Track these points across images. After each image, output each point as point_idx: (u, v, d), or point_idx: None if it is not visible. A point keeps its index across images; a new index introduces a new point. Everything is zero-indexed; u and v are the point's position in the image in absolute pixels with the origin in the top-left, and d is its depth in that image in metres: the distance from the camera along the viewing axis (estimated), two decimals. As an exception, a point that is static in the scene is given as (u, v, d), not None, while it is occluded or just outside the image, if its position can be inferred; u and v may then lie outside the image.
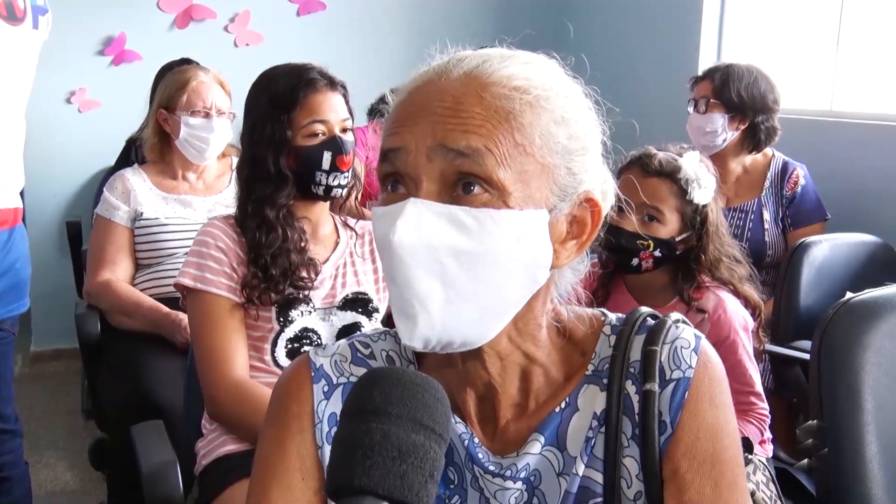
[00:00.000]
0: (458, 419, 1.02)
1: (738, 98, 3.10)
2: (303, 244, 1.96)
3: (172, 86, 2.92)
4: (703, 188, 2.07)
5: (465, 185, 0.89)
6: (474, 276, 0.90)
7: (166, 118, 2.91)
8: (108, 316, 2.87)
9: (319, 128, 1.95)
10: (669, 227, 2.07)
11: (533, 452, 1.00)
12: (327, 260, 2.04)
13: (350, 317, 2.03)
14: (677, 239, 2.08)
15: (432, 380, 0.81)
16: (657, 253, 2.06)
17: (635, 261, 2.07)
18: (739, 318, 2.07)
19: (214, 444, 1.95)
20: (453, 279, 0.89)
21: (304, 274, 1.95)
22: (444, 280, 0.89)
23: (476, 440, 1.01)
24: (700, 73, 3.36)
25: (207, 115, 2.87)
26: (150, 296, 2.82)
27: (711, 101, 3.15)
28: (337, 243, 2.08)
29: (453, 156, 0.89)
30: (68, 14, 4.25)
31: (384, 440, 0.74)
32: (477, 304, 0.91)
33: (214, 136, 2.89)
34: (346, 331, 2.01)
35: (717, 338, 2.02)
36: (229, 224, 1.98)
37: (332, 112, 1.97)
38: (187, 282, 1.92)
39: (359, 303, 2.05)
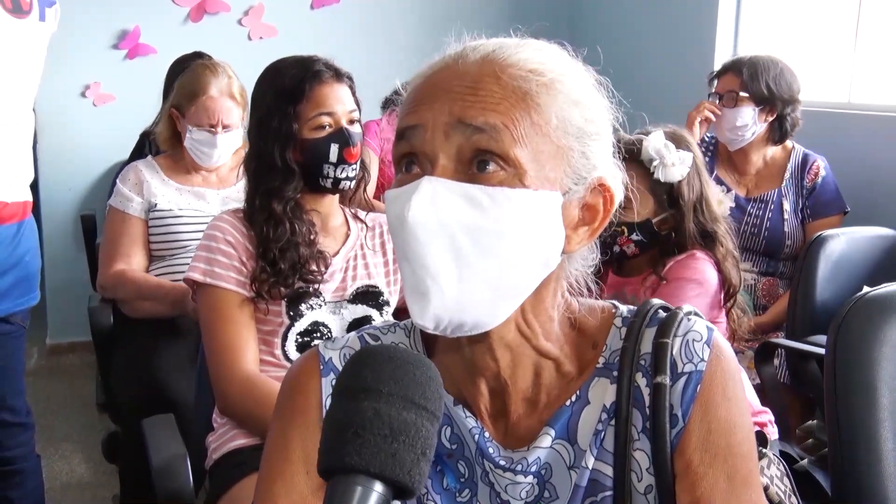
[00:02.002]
0: (469, 414, 1.02)
1: (768, 90, 3.07)
2: (312, 237, 1.96)
3: (184, 90, 2.90)
4: (669, 166, 2.07)
5: (480, 162, 0.90)
6: (487, 254, 0.90)
7: (178, 117, 2.90)
8: (125, 306, 2.85)
9: (326, 120, 1.94)
10: (641, 209, 2.08)
11: (543, 446, 0.99)
12: (337, 253, 2.03)
13: (361, 310, 2.03)
14: (654, 220, 2.10)
15: (424, 357, 0.81)
16: (635, 237, 2.10)
17: (616, 248, 2.10)
18: (700, 273, 2.10)
19: (225, 439, 1.95)
20: (466, 257, 0.89)
21: (314, 267, 1.95)
22: (457, 258, 0.89)
23: (487, 435, 1.01)
24: (719, 67, 3.32)
25: (212, 132, 2.85)
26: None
27: (740, 94, 3.10)
28: (347, 236, 2.07)
29: (471, 132, 0.89)
30: (83, 8, 4.28)
31: (375, 418, 0.74)
32: (489, 283, 0.91)
33: (217, 150, 2.87)
34: (357, 324, 2.00)
35: (671, 276, 2.08)
36: (238, 218, 1.97)
37: (339, 104, 1.96)
38: (197, 276, 1.91)
39: (369, 296, 2.04)
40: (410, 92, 0.96)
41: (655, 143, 2.08)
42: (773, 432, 2.05)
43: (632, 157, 2.07)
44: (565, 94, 0.93)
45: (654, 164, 2.07)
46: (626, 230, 2.08)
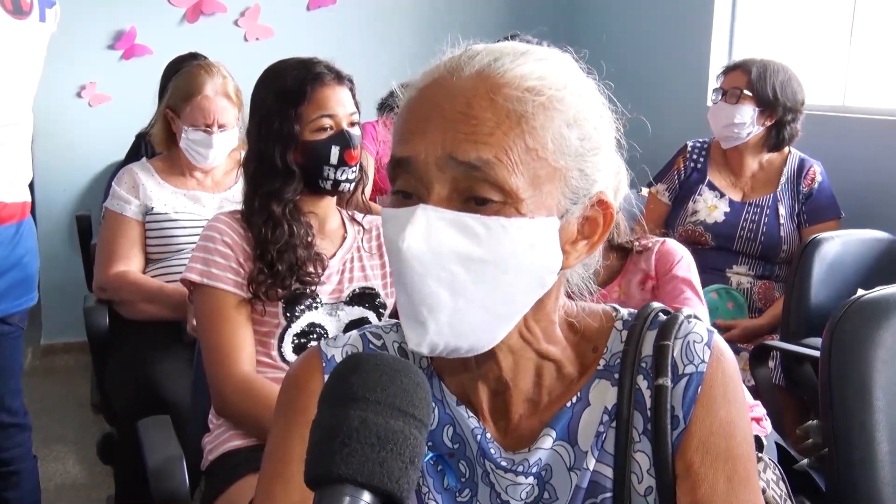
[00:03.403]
0: (471, 414, 1.02)
1: (773, 93, 3.07)
2: (309, 239, 1.96)
3: (179, 91, 2.90)
4: None
5: (475, 193, 0.89)
6: (483, 283, 0.90)
7: (173, 118, 2.90)
8: (122, 308, 2.85)
9: (327, 122, 1.95)
10: None
11: (544, 447, 1.00)
12: (334, 255, 2.03)
13: (357, 312, 2.03)
14: None
15: (412, 364, 0.80)
16: None
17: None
18: (682, 251, 2.15)
19: (221, 440, 1.94)
20: (462, 287, 0.89)
21: (311, 269, 1.95)
22: (452, 288, 0.89)
23: (488, 435, 1.01)
24: (725, 65, 3.33)
25: (207, 132, 2.85)
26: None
27: (744, 92, 3.10)
28: (344, 238, 2.08)
29: (464, 168, 0.88)
30: (79, 8, 4.27)
31: (362, 427, 0.73)
32: (485, 310, 0.91)
33: (213, 150, 2.87)
34: (354, 326, 1.97)
35: (669, 263, 2.10)
36: (236, 219, 1.97)
37: (340, 106, 1.97)
38: (194, 277, 1.91)
39: (366, 298, 2.04)
40: (404, 109, 0.95)
41: None
42: (767, 426, 2.07)
43: None
44: (563, 113, 0.92)
45: None
46: None
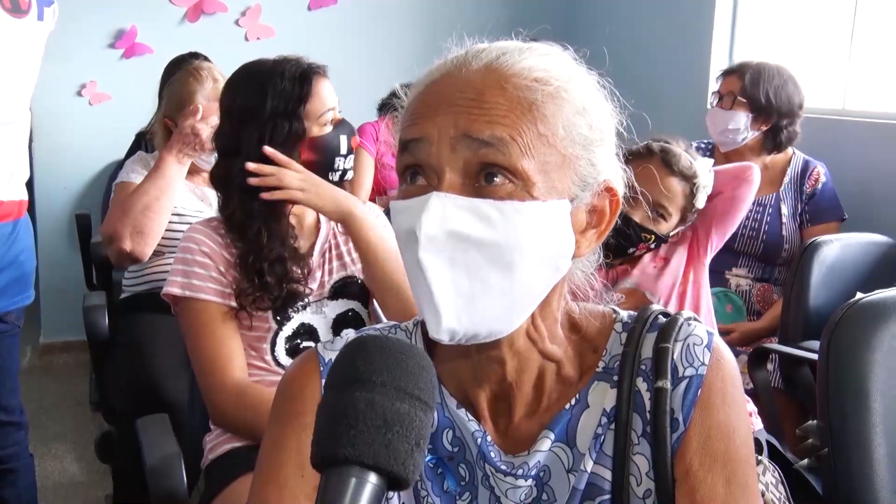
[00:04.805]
0: (471, 417, 1.02)
1: (766, 100, 3.07)
2: (293, 243, 1.93)
3: (172, 101, 2.88)
4: (706, 194, 2.22)
5: (487, 175, 0.89)
6: (500, 268, 0.90)
7: (172, 125, 2.89)
8: (137, 247, 2.70)
9: (330, 115, 1.95)
10: (671, 223, 2.20)
11: (543, 450, 0.99)
12: (312, 247, 2.00)
13: (342, 304, 2.01)
14: (671, 233, 2.22)
15: (417, 348, 0.80)
16: (652, 245, 2.21)
17: (631, 249, 2.19)
18: None
19: (222, 438, 1.94)
20: (478, 271, 0.89)
21: (297, 270, 1.92)
22: (470, 273, 0.89)
23: (489, 439, 1.01)
24: (725, 68, 3.33)
25: None
26: (159, 285, 2.81)
27: (738, 98, 3.10)
28: (318, 229, 2.04)
29: (477, 145, 0.89)
30: (79, 7, 4.28)
31: (368, 409, 0.73)
32: (503, 295, 0.91)
33: (214, 155, 2.86)
34: (341, 319, 1.99)
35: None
36: (212, 227, 1.93)
37: (334, 97, 1.97)
38: (175, 291, 1.87)
39: (348, 287, 2.02)
40: (412, 101, 0.96)
41: (706, 170, 2.21)
42: (756, 422, 2.07)
43: (686, 177, 2.19)
44: (571, 103, 0.93)
45: (703, 190, 2.20)
46: (653, 239, 2.17)
